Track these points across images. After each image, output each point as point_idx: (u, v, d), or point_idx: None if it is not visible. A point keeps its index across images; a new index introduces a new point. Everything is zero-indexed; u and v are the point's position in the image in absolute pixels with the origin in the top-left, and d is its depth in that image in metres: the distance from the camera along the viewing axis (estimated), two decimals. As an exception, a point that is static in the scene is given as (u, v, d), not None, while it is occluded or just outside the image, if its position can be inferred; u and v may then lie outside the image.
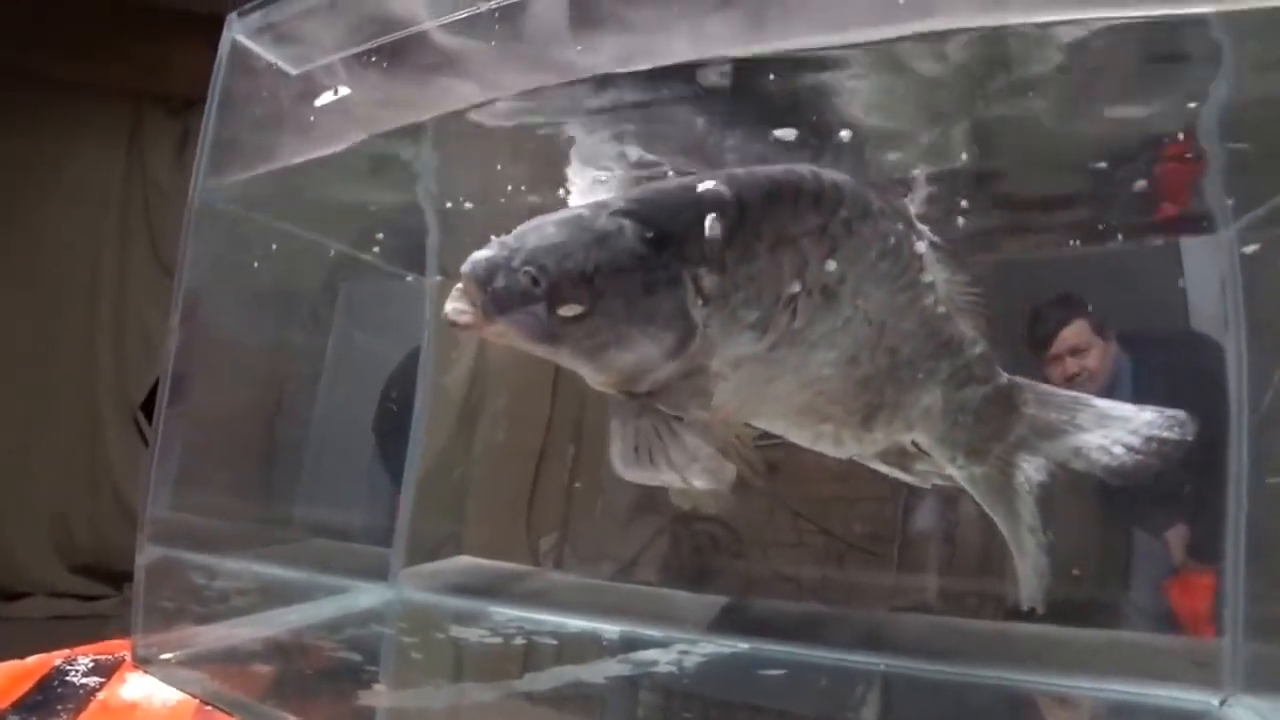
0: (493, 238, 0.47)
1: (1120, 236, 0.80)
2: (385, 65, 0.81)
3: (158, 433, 0.88)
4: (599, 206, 0.48)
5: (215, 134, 0.92)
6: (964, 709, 0.73)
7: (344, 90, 0.86)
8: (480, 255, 0.46)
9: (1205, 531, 0.75)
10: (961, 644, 0.85)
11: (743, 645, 0.85)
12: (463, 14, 0.76)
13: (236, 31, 0.93)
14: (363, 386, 1.20)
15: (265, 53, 0.95)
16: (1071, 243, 0.87)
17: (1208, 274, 0.75)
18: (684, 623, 0.90)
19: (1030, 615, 0.60)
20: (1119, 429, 0.56)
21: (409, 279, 1.20)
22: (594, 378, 0.49)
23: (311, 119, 0.87)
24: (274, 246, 1.06)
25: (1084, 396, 0.59)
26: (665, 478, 0.47)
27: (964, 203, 0.67)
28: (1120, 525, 0.88)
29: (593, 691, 0.75)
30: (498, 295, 0.45)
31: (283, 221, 1.04)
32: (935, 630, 0.88)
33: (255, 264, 1.06)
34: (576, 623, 0.93)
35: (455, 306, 0.46)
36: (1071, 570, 0.83)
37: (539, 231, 0.47)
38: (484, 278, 0.45)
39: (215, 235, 0.93)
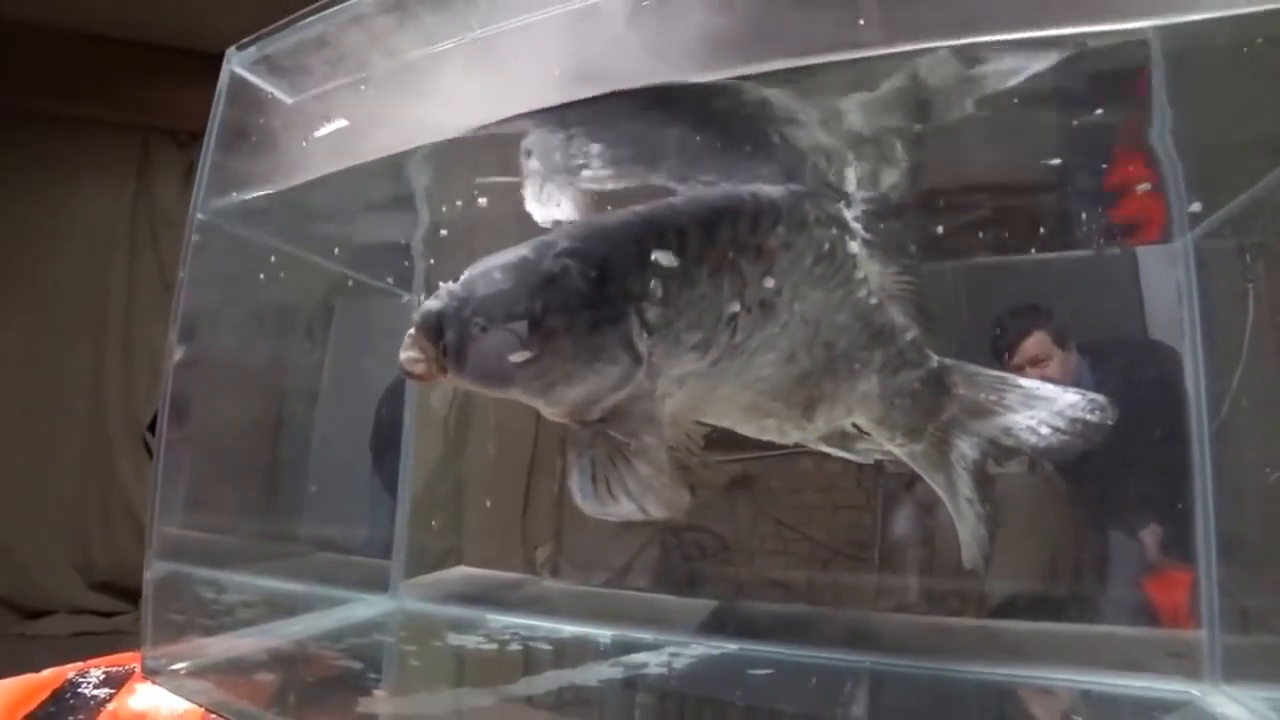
0: (441, 285, 0.49)
1: (1075, 245, 0.82)
2: (375, 93, 0.84)
3: (160, 450, 0.91)
4: (544, 247, 0.50)
5: (215, 159, 0.95)
6: (947, 702, 0.75)
7: (338, 119, 0.89)
8: (431, 306, 0.48)
9: (1177, 530, 0.77)
10: (943, 641, 0.87)
11: (732, 646, 0.86)
12: (449, 43, 0.79)
13: (235, 64, 0.97)
14: (361, 402, 1.23)
15: (262, 83, 0.98)
16: (1026, 251, 0.89)
17: (1164, 282, 0.77)
18: (675, 626, 0.92)
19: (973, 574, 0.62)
20: (1044, 410, 0.59)
21: (405, 298, 1.23)
22: (546, 410, 0.51)
23: (304, 144, 0.90)
24: (273, 265, 1.09)
25: (1010, 377, 0.62)
26: (624, 508, 0.49)
27: (910, 212, 0.69)
28: (1096, 525, 0.90)
29: (585, 694, 0.77)
30: (450, 346, 0.47)
31: (281, 241, 1.07)
32: (917, 629, 0.90)
33: (253, 283, 1.10)
34: (570, 628, 0.95)
35: (409, 355, 0.48)
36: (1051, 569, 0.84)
37: (487, 278, 0.49)
38: (435, 329, 0.47)
39: (214, 255, 0.96)
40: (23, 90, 3.05)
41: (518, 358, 0.47)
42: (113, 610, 2.95)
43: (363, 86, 0.83)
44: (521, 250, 0.50)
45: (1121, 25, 0.49)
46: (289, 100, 0.98)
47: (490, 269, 0.49)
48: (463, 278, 0.49)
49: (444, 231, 1.07)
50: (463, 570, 1.22)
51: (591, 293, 0.48)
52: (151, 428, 2.98)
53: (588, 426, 0.50)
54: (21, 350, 3.09)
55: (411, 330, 0.48)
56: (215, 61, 0.98)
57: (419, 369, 0.48)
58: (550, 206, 0.76)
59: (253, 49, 0.96)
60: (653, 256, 0.50)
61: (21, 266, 3.12)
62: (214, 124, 0.95)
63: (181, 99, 3.08)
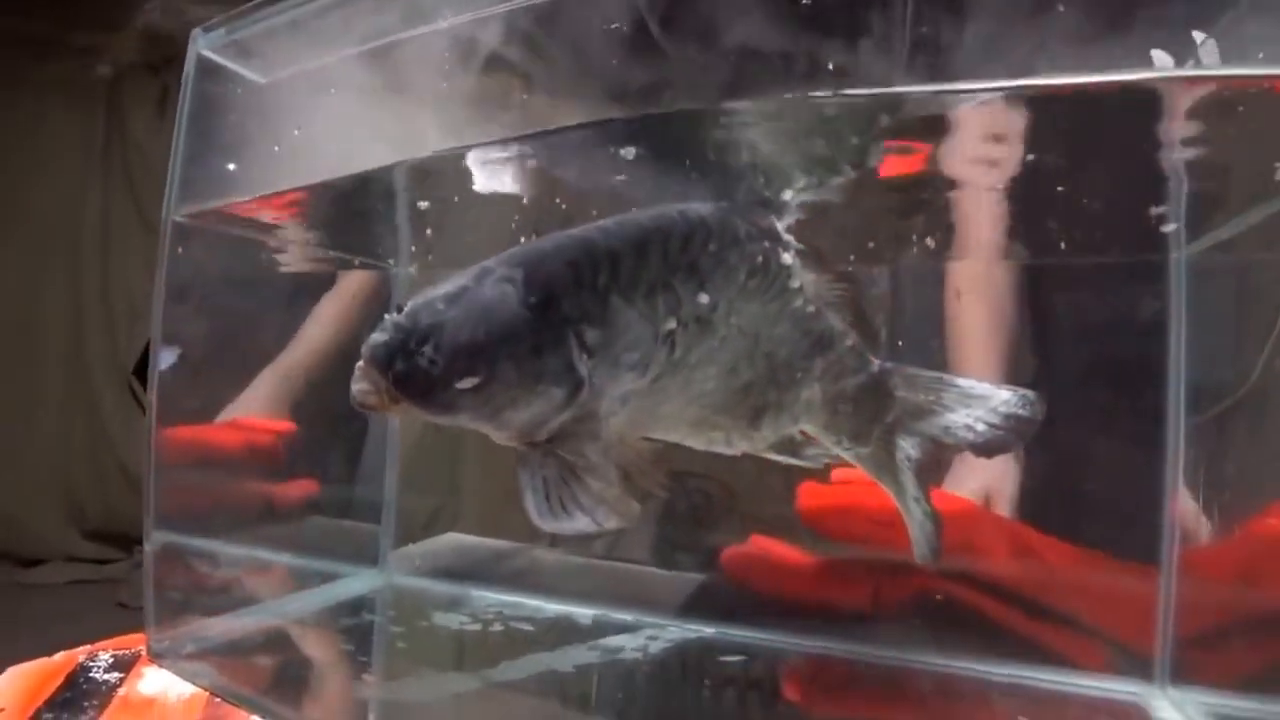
0: (387, 318, 0.50)
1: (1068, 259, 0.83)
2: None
3: (151, 431, 0.92)
4: (482, 274, 0.52)
5: (188, 150, 0.93)
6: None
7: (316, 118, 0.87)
8: (378, 339, 0.49)
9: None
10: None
11: (709, 630, 0.92)
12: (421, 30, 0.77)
13: (202, 46, 0.94)
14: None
15: (234, 65, 0.95)
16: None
17: (1154, 297, 0.78)
18: (659, 604, 0.97)
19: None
20: (980, 407, 0.62)
21: (394, 271, 1.23)
22: (495, 435, 0.53)
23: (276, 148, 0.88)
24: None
25: (946, 377, 0.64)
26: (579, 523, 0.51)
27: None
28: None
29: (565, 676, 0.82)
30: (398, 378, 0.48)
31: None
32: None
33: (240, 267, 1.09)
34: (555, 606, 1.00)
35: (360, 388, 0.49)
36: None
37: (430, 308, 0.50)
38: (384, 362, 0.48)
39: (195, 244, 0.96)
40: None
41: (464, 384, 0.49)
42: (106, 558, 3.01)
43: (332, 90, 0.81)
44: (461, 279, 0.52)
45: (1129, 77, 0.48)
46: (262, 80, 0.95)
47: (433, 299, 0.51)
48: (406, 309, 0.51)
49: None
50: (452, 538, 1.25)
51: (531, 317, 0.50)
52: (136, 371, 2.97)
53: (536, 448, 0.53)
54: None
55: (360, 363, 0.49)
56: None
57: (371, 400, 0.50)
58: (494, 178, 0.76)
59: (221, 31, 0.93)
60: (587, 279, 0.51)
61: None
62: (183, 110, 0.93)
63: (154, 20, 2.96)
